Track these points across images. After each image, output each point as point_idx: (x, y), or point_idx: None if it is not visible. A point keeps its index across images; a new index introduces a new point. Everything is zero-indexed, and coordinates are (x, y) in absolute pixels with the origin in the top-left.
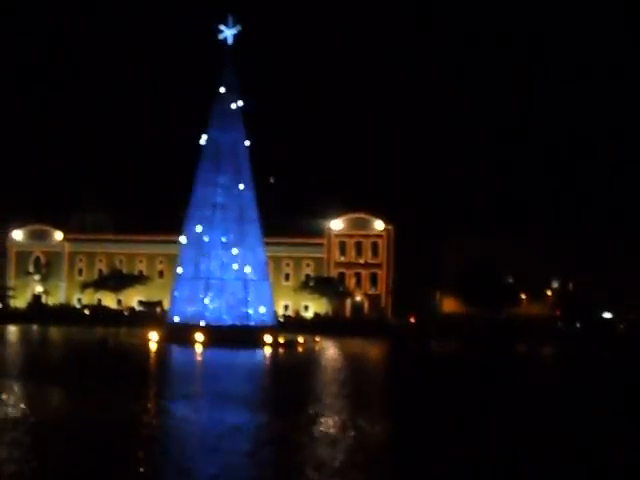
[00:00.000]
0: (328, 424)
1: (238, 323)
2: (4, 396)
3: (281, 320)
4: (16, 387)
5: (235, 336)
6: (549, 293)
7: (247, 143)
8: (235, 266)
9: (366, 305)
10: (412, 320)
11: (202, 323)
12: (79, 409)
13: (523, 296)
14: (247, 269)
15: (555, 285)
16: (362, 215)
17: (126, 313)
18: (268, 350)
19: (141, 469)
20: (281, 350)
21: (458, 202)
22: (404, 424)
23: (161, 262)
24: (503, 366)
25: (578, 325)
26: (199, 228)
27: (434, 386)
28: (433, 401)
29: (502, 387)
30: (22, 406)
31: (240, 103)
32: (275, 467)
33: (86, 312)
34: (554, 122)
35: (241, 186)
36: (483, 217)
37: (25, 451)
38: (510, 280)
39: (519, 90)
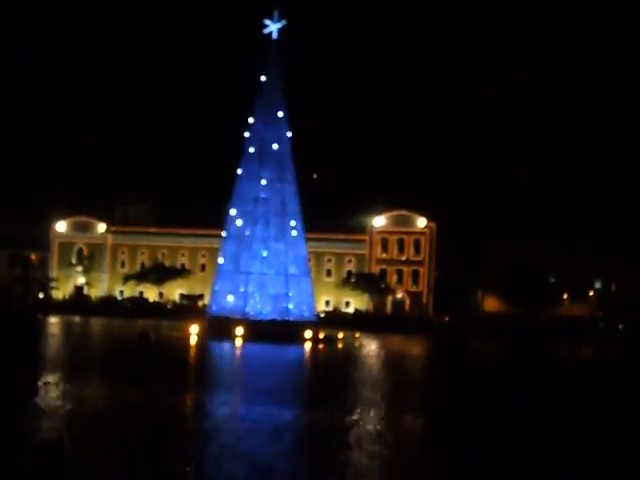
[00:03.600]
0: (364, 420)
1: (278, 318)
2: (49, 388)
3: (322, 316)
4: (60, 379)
5: (275, 331)
6: (591, 294)
7: (289, 134)
8: (276, 261)
9: (407, 302)
10: (447, 318)
11: (242, 317)
12: (121, 402)
13: (565, 296)
14: (288, 264)
15: (597, 286)
16: (404, 212)
17: (168, 306)
18: (308, 345)
19: (186, 463)
20: (321, 346)
21: (502, 201)
22: (442, 423)
23: (203, 255)
24: (540, 367)
25: (620, 326)
26: (241, 222)
27: (471, 386)
28: (469, 401)
29: (538, 388)
30: (66, 398)
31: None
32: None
33: (127, 304)
34: (601, 123)
35: (284, 177)
36: (526, 217)
37: (73, 442)
38: (552, 280)
39: (566, 89)
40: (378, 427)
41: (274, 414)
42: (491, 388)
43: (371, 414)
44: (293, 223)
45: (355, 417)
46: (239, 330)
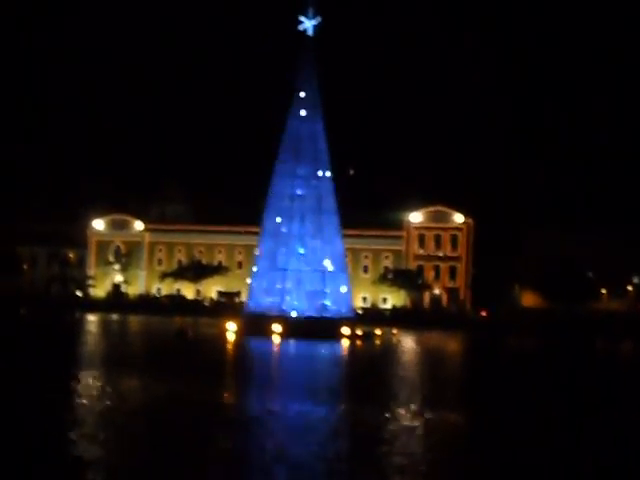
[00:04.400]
0: (401, 416)
1: (315, 315)
2: (90, 384)
3: (359, 312)
4: (100, 376)
5: (312, 328)
6: (630, 288)
7: (325, 130)
8: (313, 258)
9: (444, 298)
10: (484, 314)
11: (279, 314)
12: (161, 399)
13: (603, 291)
14: (325, 261)
15: (636, 280)
16: (441, 208)
17: (206, 303)
18: (345, 342)
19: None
20: (358, 342)
21: (539, 196)
22: (483, 420)
23: (240, 253)
24: (580, 362)
25: None
26: (277, 219)
27: (511, 382)
28: (510, 398)
29: (577, 384)
30: (107, 395)
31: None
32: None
33: (165, 302)
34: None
35: (320, 173)
36: (564, 212)
37: (114, 436)
38: (590, 275)
39: (601, 85)
40: (419, 424)
41: (316, 411)
42: (531, 384)
43: (412, 411)
44: (329, 219)
45: (396, 414)
46: (276, 327)
